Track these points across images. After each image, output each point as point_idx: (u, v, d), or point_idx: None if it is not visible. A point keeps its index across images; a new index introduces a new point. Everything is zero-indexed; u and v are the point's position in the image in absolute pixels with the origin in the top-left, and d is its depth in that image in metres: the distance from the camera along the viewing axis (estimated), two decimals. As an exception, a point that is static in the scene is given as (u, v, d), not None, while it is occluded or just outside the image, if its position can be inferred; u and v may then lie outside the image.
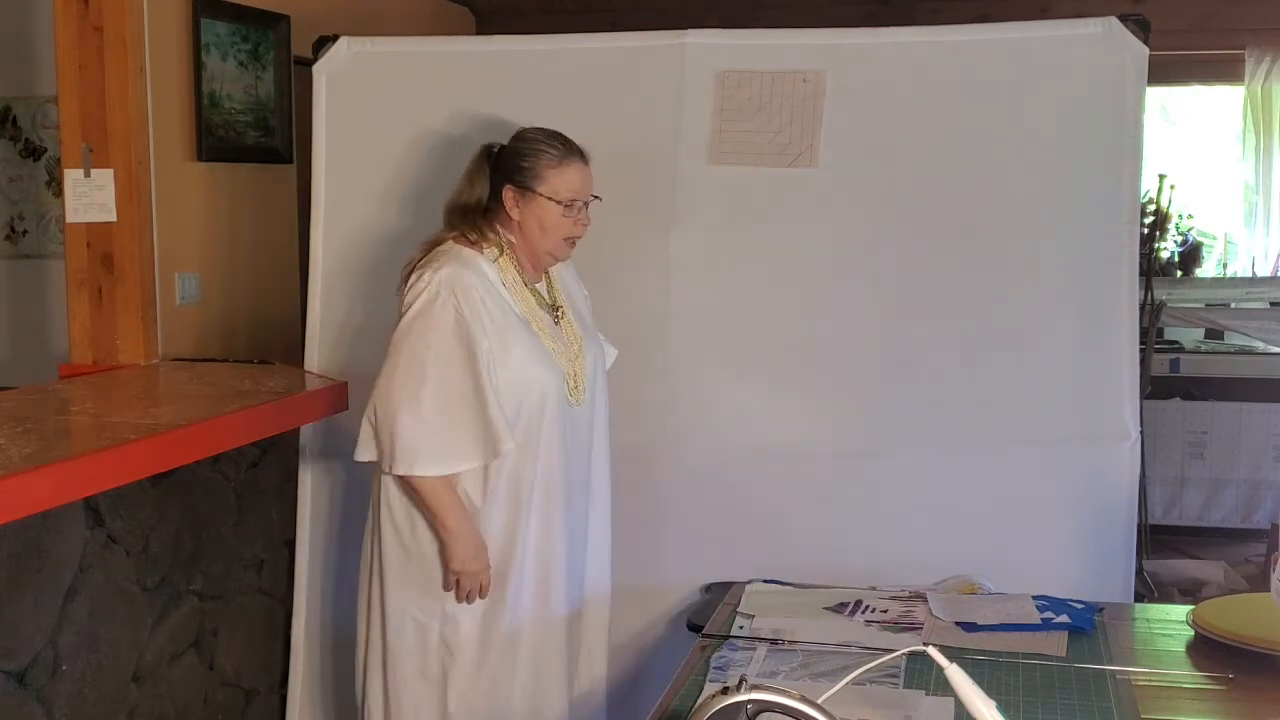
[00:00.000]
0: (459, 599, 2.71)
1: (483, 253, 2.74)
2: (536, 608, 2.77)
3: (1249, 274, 6.17)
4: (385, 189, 3.47)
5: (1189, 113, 6.87)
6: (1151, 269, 5.20)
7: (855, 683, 1.76)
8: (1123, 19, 3.23)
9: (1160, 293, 5.19)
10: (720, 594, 2.63)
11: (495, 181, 2.77)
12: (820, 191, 3.32)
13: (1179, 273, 6.20)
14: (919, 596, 2.52)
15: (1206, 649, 2.19)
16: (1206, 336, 5.99)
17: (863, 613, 2.42)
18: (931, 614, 2.40)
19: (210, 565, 3.27)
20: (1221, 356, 5.84)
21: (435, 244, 2.76)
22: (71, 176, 3.56)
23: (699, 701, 1.73)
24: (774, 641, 2.25)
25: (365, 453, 2.73)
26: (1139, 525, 3.43)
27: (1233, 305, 5.87)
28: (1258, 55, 5.89)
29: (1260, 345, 5.69)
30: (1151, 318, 5.00)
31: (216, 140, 4.21)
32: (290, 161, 4.57)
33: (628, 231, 3.28)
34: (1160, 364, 5.39)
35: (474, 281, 2.67)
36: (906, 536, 3.23)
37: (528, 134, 2.79)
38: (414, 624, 2.76)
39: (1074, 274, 3.27)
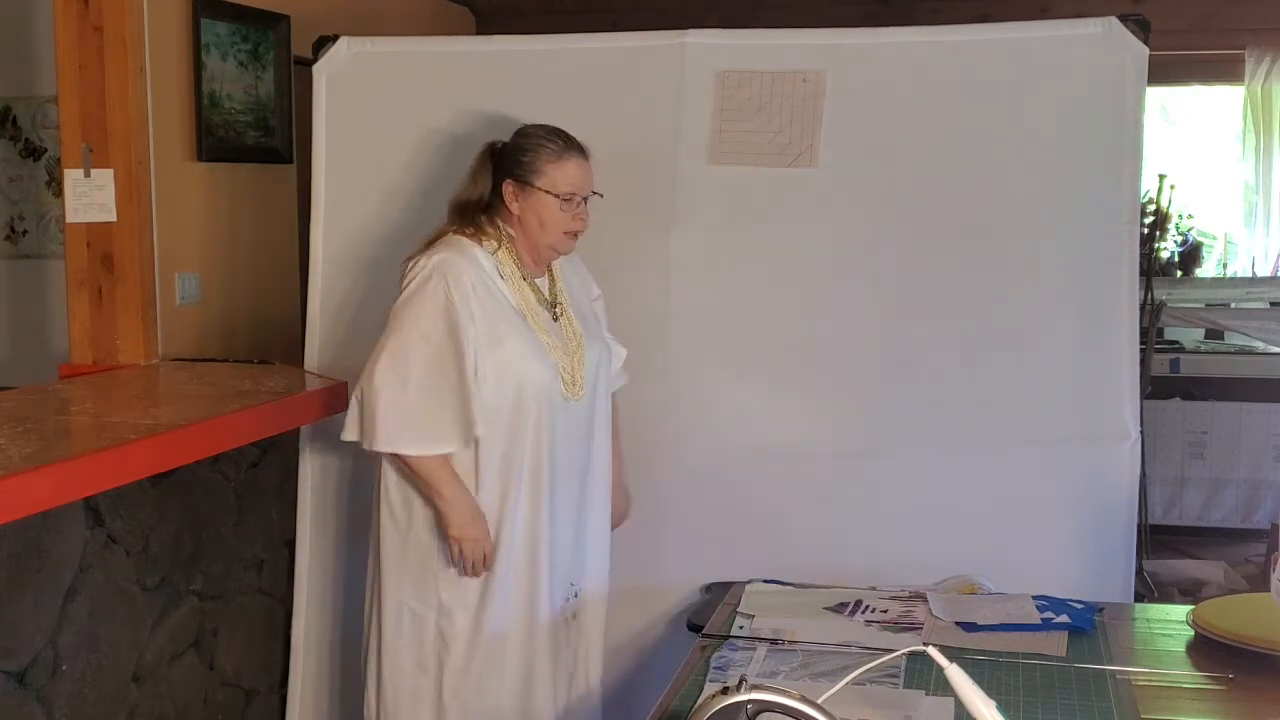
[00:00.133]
0: (466, 571, 2.74)
1: (481, 244, 2.80)
2: (526, 600, 2.80)
3: (1249, 274, 6.17)
4: (385, 189, 3.47)
5: (1189, 113, 6.87)
6: (1151, 269, 5.19)
7: (855, 683, 1.76)
8: (1123, 19, 3.23)
9: (1160, 293, 5.19)
10: (720, 594, 2.63)
11: (497, 177, 2.83)
12: (820, 191, 3.32)
13: (1179, 273, 6.20)
14: (919, 596, 2.52)
15: (1206, 649, 2.19)
16: (1206, 336, 5.99)
17: (863, 613, 2.42)
18: (931, 614, 2.40)
19: (210, 565, 3.27)
20: (1221, 356, 5.84)
21: (436, 237, 2.83)
22: (71, 176, 3.56)
23: (699, 701, 1.73)
24: (774, 641, 2.25)
25: (350, 432, 2.79)
26: (1139, 525, 3.43)
27: (1233, 305, 5.87)
28: (1258, 55, 5.89)
29: (1260, 345, 5.69)
30: (1151, 318, 5.00)
31: (216, 140, 4.21)
32: (290, 161, 4.57)
33: (628, 231, 3.28)
34: (1160, 364, 5.39)
35: (466, 268, 2.74)
36: (906, 536, 3.23)
37: (528, 130, 2.86)
38: (410, 615, 2.81)
39: (1074, 274, 3.27)
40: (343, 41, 3.52)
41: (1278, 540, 2.99)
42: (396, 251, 3.03)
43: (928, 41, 3.41)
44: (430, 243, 2.82)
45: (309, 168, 3.58)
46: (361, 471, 3.38)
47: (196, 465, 3.13)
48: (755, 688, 1.54)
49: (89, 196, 3.56)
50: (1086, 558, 3.23)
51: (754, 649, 2.22)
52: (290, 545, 3.54)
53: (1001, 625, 2.33)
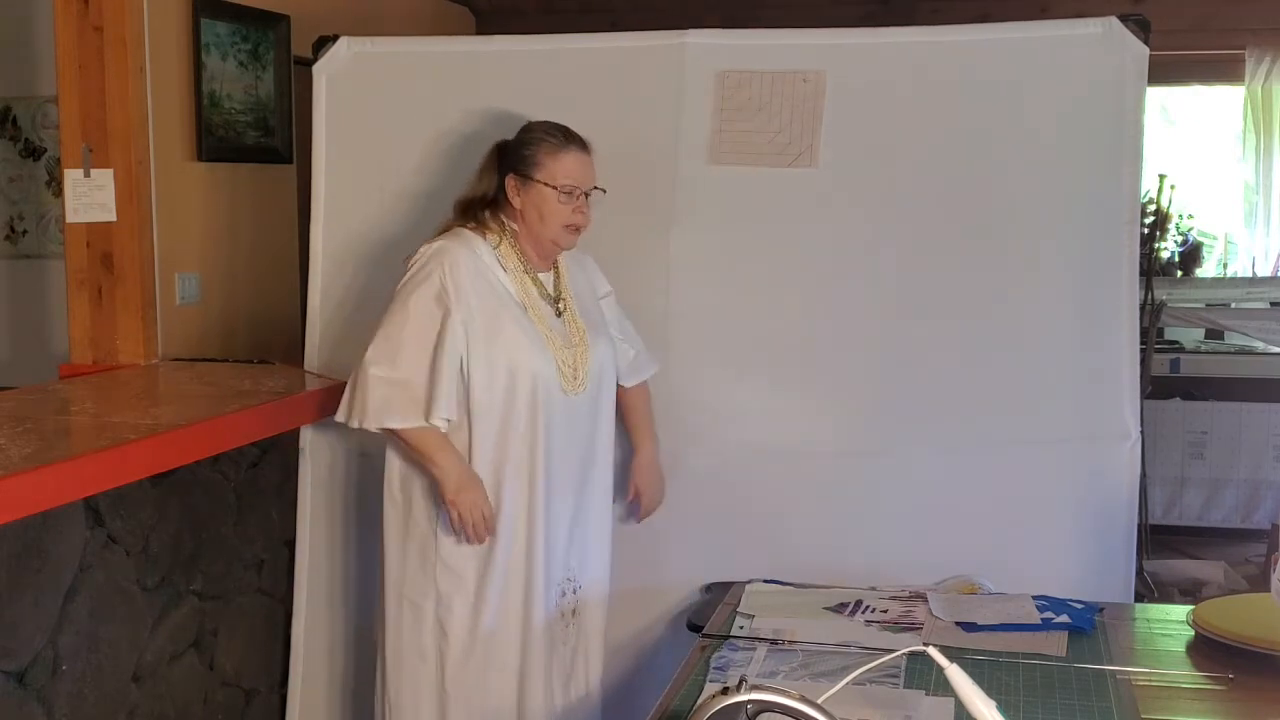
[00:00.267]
0: (468, 536, 2.77)
1: (484, 238, 2.85)
2: (521, 589, 2.83)
3: (1249, 274, 6.17)
4: (385, 189, 3.47)
5: (1189, 113, 6.87)
6: (1151, 269, 5.19)
7: (855, 683, 1.76)
8: (1123, 19, 3.23)
9: (1160, 293, 5.18)
10: (720, 594, 2.63)
11: (501, 173, 2.88)
12: (820, 191, 3.32)
13: (1179, 273, 6.20)
14: (919, 596, 2.52)
15: (1206, 649, 2.19)
16: (1206, 336, 5.99)
17: (863, 613, 2.42)
18: (931, 614, 2.40)
19: (210, 565, 3.26)
20: (1221, 356, 5.84)
21: (440, 232, 2.89)
22: (71, 176, 3.56)
23: (699, 702, 1.73)
24: (774, 641, 2.25)
25: (340, 413, 2.86)
26: (1139, 525, 3.43)
27: (1233, 305, 5.86)
28: (1258, 55, 5.89)
29: (1260, 345, 5.69)
30: (1151, 318, 5.00)
31: (216, 140, 4.21)
32: (290, 161, 4.57)
33: (628, 231, 3.28)
34: (1160, 364, 5.39)
35: (464, 257, 2.79)
36: (906, 536, 3.23)
37: (531, 125, 2.92)
38: (410, 604, 2.86)
39: (1074, 274, 3.27)
40: (343, 41, 3.52)
41: (1278, 540, 2.99)
42: (396, 251, 3.05)
43: (928, 41, 3.41)
44: (434, 238, 2.87)
45: (309, 168, 3.58)
46: (362, 471, 3.38)
47: (196, 465, 3.13)
48: (755, 688, 1.54)
49: (89, 196, 3.56)
50: (1086, 558, 3.23)
51: (754, 649, 2.22)
52: (290, 545, 3.54)
53: (1001, 625, 2.33)
